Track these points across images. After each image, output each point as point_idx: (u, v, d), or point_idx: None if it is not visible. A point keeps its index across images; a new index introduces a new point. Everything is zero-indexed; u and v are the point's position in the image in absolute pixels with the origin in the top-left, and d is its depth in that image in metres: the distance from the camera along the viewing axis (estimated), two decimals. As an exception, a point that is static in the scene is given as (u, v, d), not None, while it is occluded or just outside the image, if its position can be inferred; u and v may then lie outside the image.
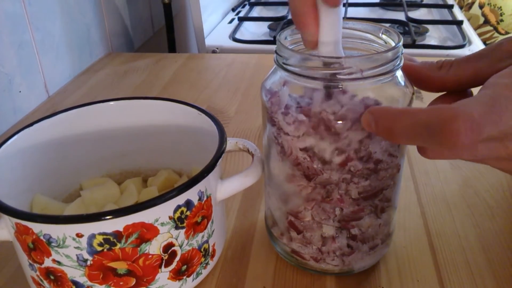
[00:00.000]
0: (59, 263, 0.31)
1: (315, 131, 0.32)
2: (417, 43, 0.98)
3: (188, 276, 0.35)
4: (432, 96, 0.34)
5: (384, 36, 0.35)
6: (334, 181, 0.33)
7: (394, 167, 0.34)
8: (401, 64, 0.33)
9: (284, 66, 0.33)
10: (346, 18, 0.36)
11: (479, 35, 1.15)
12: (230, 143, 0.39)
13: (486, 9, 1.57)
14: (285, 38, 0.35)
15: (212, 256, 0.38)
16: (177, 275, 0.34)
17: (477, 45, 0.99)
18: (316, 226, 0.35)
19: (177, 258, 0.34)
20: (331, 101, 0.32)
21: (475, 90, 0.32)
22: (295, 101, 0.33)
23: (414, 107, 0.27)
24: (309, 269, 0.38)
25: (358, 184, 0.33)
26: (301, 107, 0.32)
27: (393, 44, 0.33)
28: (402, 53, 0.33)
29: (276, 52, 0.34)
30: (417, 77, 0.34)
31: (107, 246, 0.31)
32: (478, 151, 0.28)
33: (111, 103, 0.44)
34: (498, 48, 0.31)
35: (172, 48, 1.04)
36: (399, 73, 0.33)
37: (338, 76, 0.31)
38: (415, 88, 0.34)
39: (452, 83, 0.33)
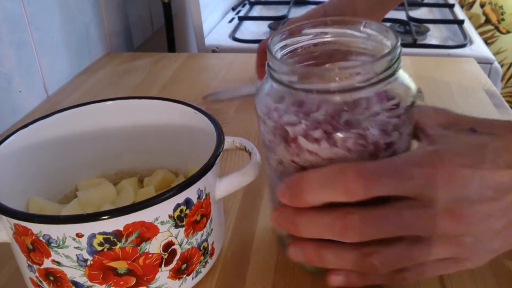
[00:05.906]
0: (58, 263, 0.31)
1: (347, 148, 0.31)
2: (418, 42, 0.97)
3: (188, 275, 0.35)
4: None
5: (367, 30, 0.34)
6: None
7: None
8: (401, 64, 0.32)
9: (291, 85, 0.31)
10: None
11: (480, 34, 1.15)
12: (227, 142, 0.39)
13: (487, 8, 1.57)
14: (276, 50, 0.34)
15: (211, 254, 0.38)
16: (177, 274, 0.34)
17: (478, 44, 0.99)
18: None
19: (177, 257, 0.34)
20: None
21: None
22: (307, 119, 0.31)
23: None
24: None
25: None
26: (328, 128, 0.31)
27: (379, 36, 0.33)
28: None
29: (271, 67, 0.32)
30: None
31: (107, 245, 0.30)
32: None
33: (107, 103, 0.44)
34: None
35: (171, 48, 1.04)
36: (401, 72, 0.33)
37: (357, 85, 0.30)
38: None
39: None
